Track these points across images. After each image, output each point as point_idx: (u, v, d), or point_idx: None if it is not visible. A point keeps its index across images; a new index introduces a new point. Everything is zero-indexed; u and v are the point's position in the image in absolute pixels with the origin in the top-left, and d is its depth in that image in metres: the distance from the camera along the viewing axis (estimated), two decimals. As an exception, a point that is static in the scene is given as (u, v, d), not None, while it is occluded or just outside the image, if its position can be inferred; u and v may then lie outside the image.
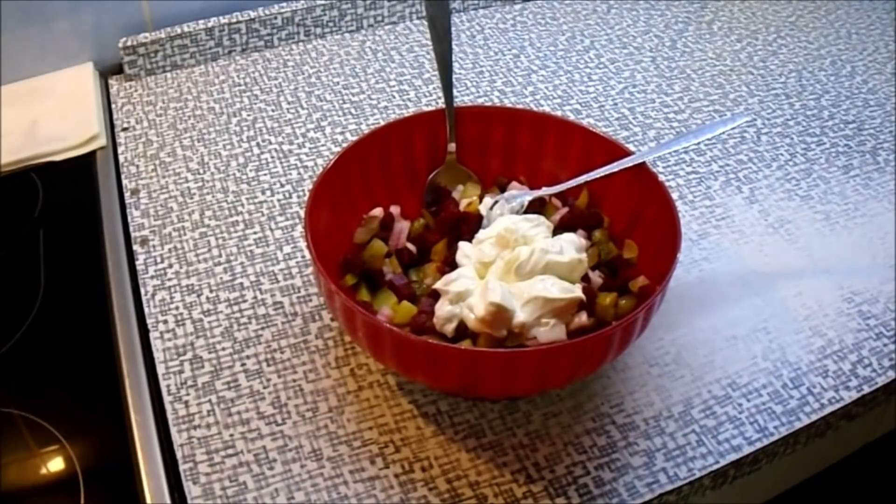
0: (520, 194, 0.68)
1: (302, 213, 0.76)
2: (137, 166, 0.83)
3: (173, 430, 0.60)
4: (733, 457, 0.60)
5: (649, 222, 0.64)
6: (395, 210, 0.69)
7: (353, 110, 0.91)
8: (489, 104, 0.92)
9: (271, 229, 0.76)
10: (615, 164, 0.65)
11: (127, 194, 0.80)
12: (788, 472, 0.83)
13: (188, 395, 0.62)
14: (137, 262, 0.73)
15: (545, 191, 0.68)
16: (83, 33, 0.93)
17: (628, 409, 0.62)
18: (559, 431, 0.61)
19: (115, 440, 0.60)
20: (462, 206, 0.68)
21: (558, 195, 0.69)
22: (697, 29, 1.06)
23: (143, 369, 0.64)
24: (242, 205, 0.79)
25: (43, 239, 0.76)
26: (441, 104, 0.71)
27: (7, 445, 0.60)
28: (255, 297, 0.70)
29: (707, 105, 0.93)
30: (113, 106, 0.92)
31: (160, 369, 0.64)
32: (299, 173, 0.82)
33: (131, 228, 0.76)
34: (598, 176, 0.65)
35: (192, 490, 0.57)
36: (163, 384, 0.63)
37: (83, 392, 0.64)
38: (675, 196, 0.63)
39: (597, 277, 0.63)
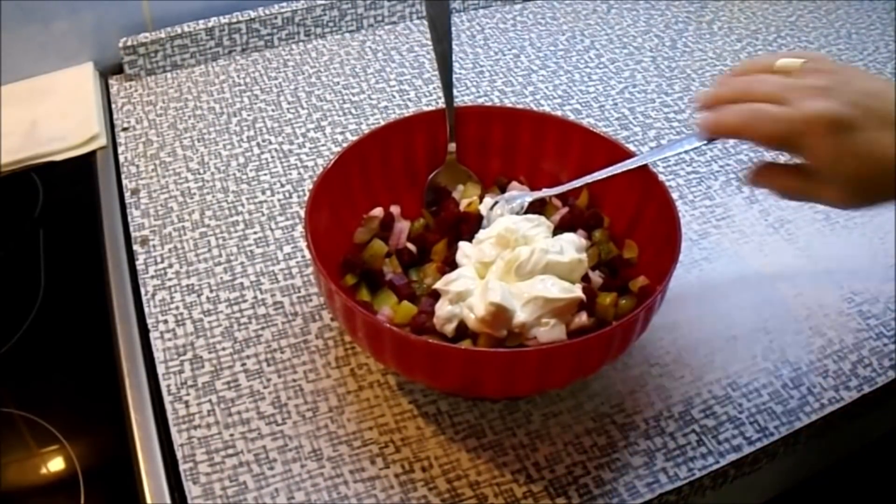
0: (520, 195, 0.68)
1: (302, 213, 0.76)
2: (137, 166, 0.83)
3: (173, 430, 0.60)
4: (733, 457, 0.60)
5: (649, 222, 0.64)
6: (395, 210, 0.69)
7: (353, 110, 0.91)
8: (489, 104, 0.92)
9: (271, 229, 0.76)
10: (617, 166, 0.65)
11: (127, 194, 0.80)
12: (788, 472, 0.83)
13: (188, 394, 0.62)
14: (137, 262, 0.73)
15: (545, 192, 0.68)
16: (83, 33, 0.93)
17: (628, 408, 0.62)
18: (559, 431, 0.61)
19: (115, 440, 0.60)
20: (462, 206, 0.68)
21: (558, 195, 0.69)
22: (698, 29, 1.06)
23: (143, 369, 0.64)
24: (242, 205, 0.79)
25: (43, 239, 0.76)
26: (441, 104, 0.71)
27: (7, 445, 0.60)
28: (255, 297, 0.70)
29: (707, 105, 0.93)
30: (113, 106, 0.92)
31: (160, 369, 0.64)
32: (299, 173, 0.82)
33: (131, 228, 0.76)
34: (599, 178, 0.65)
35: (192, 490, 0.57)
36: (163, 384, 0.63)
37: (83, 392, 0.64)
38: (675, 196, 0.63)
39: (597, 277, 0.63)
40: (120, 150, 0.85)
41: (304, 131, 0.88)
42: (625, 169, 0.64)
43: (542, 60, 1.00)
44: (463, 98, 0.93)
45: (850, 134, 0.51)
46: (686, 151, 0.83)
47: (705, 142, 0.57)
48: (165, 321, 0.68)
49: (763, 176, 0.57)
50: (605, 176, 0.65)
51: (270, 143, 0.86)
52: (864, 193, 0.53)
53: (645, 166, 0.65)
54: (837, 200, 0.54)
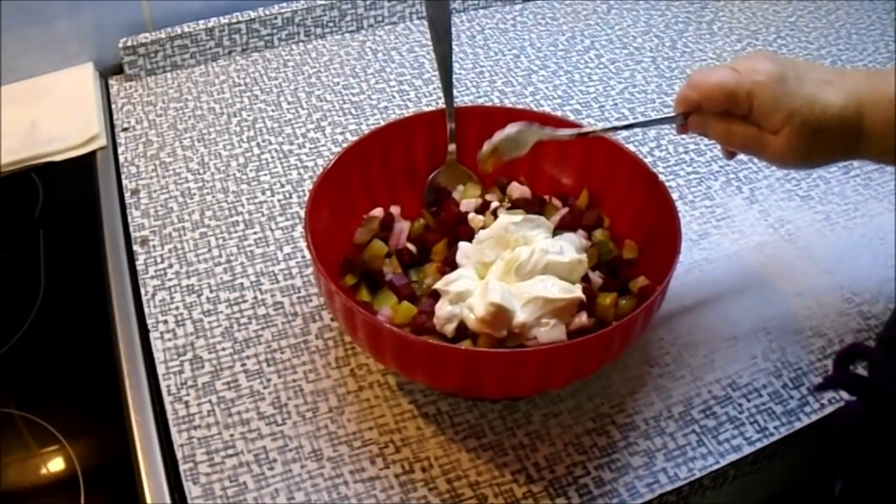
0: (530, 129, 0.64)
1: (302, 214, 0.76)
2: (137, 166, 0.83)
3: (173, 431, 0.60)
4: (733, 457, 0.60)
5: (649, 222, 0.64)
6: (395, 210, 0.69)
7: (353, 110, 0.91)
8: (489, 104, 0.92)
9: (271, 229, 0.76)
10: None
11: (127, 194, 0.80)
12: (788, 473, 0.82)
13: (188, 395, 0.62)
14: (137, 263, 0.73)
15: (565, 131, 0.64)
16: (83, 33, 0.93)
17: (628, 409, 0.62)
18: (559, 432, 0.61)
19: (115, 440, 0.60)
20: (475, 221, 0.67)
21: (558, 196, 0.69)
22: (698, 29, 1.06)
23: (143, 369, 0.64)
24: (242, 205, 0.79)
25: (43, 239, 0.76)
26: (441, 104, 0.71)
27: (7, 445, 0.60)
28: (255, 298, 0.70)
29: (707, 105, 0.93)
30: (113, 106, 0.92)
31: (160, 369, 0.64)
32: (299, 173, 0.82)
33: (131, 228, 0.76)
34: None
35: (192, 490, 0.57)
36: (163, 384, 0.63)
37: (83, 392, 0.64)
38: (675, 196, 0.63)
39: (597, 278, 0.63)
40: (120, 150, 0.85)
41: (304, 131, 0.88)
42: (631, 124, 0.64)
43: (542, 61, 1.00)
44: (463, 98, 0.93)
45: (793, 82, 0.54)
46: (685, 150, 0.83)
47: (681, 120, 0.60)
48: (165, 321, 0.68)
49: (715, 124, 0.58)
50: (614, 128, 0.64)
51: (270, 143, 0.86)
52: (809, 142, 0.55)
53: (645, 166, 0.65)
54: (784, 149, 0.55)
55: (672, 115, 0.60)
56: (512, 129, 0.63)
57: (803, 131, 0.54)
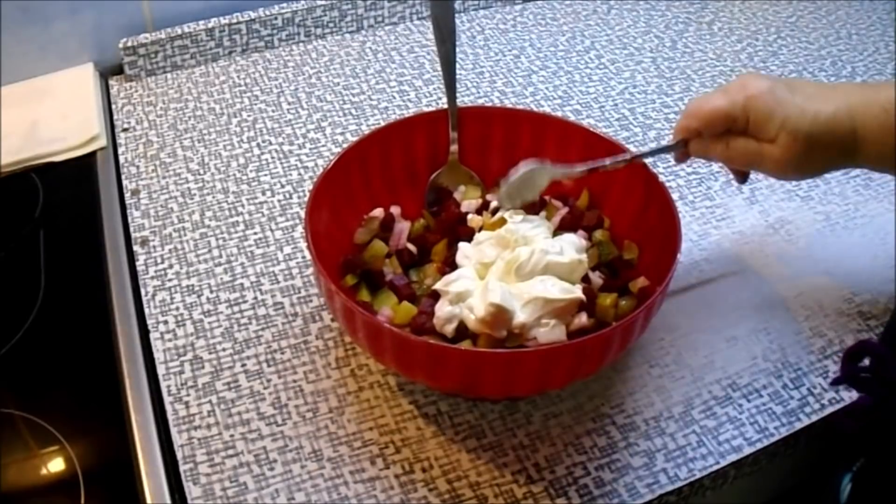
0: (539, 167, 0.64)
1: (302, 214, 0.76)
2: (138, 167, 0.83)
3: (173, 431, 0.60)
4: (734, 457, 0.60)
5: (650, 223, 0.64)
6: (395, 210, 0.69)
7: (353, 111, 0.91)
8: (490, 105, 0.92)
9: (272, 230, 0.76)
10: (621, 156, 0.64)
11: (127, 195, 0.80)
12: (789, 473, 0.82)
13: (188, 395, 0.62)
14: (138, 263, 0.73)
15: (577, 168, 0.64)
16: (83, 34, 0.93)
17: (629, 409, 0.62)
18: (559, 432, 0.61)
19: (115, 440, 0.60)
20: (479, 222, 0.66)
21: (558, 196, 0.69)
22: (698, 29, 1.06)
23: (143, 370, 0.64)
24: (243, 205, 0.79)
25: (43, 239, 0.76)
26: (441, 104, 0.71)
27: (7, 445, 0.60)
28: (255, 298, 0.70)
29: (707, 105, 0.93)
30: (113, 106, 0.92)
31: (160, 370, 0.64)
32: (300, 174, 0.82)
33: (131, 229, 0.76)
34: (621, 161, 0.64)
35: (192, 490, 0.57)
36: (163, 385, 0.63)
37: (83, 392, 0.64)
38: (675, 196, 0.63)
39: (597, 278, 0.63)
40: (120, 150, 0.85)
41: (304, 132, 0.88)
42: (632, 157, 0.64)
43: (542, 61, 1.00)
44: (463, 99, 0.93)
45: (784, 93, 0.57)
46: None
47: (681, 147, 0.63)
48: (165, 322, 0.68)
49: (715, 145, 0.61)
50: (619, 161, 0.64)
51: (271, 143, 0.86)
52: (805, 148, 0.56)
53: (645, 167, 0.65)
54: (782, 157, 0.57)
55: (673, 143, 0.63)
56: (521, 170, 0.63)
57: (798, 137, 0.56)
